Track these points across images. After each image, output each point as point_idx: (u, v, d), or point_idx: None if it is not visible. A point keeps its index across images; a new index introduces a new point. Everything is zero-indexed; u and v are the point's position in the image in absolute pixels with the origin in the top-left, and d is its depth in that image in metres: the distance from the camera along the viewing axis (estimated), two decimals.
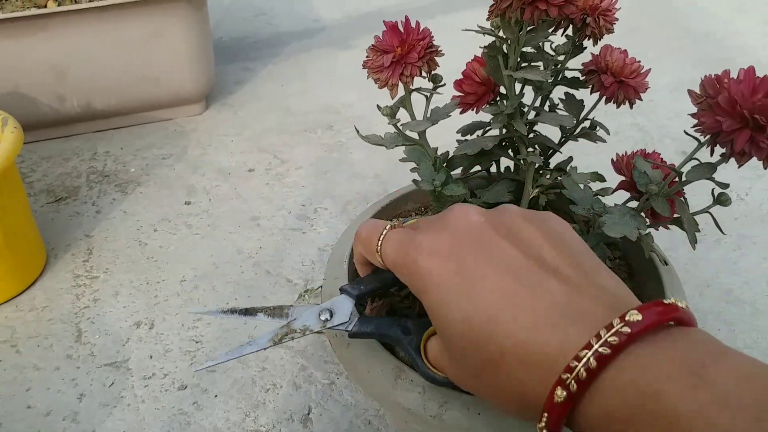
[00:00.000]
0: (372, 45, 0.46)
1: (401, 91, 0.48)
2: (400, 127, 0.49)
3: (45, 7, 1.02)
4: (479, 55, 0.52)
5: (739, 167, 0.41)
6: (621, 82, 0.51)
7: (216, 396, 0.72)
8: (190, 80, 1.16)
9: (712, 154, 0.42)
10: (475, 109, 0.53)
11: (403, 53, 0.44)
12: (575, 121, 0.54)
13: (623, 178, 0.54)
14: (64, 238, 0.95)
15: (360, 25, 1.66)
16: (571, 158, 0.58)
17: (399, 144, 0.50)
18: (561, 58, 0.53)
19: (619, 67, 0.51)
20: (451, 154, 0.53)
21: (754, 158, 0.40)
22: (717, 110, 0.39)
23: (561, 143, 0.57)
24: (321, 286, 0.85)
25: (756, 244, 0.93)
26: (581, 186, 0.49)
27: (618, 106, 0.53)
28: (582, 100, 0.56)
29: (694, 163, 0.46)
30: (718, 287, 0.85)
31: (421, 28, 0.46)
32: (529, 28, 0.45)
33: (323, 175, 1.07)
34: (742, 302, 0.83)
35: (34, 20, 1.01)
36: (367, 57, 0.46)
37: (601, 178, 0.56)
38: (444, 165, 0.51)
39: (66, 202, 1.03)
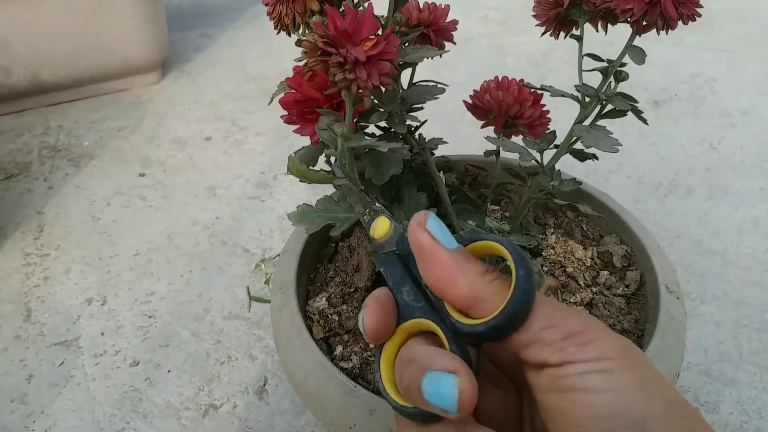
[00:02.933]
0: None
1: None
2: None
3: None
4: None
5: (666, 33, 0.41)
6: (436, 31, 0.49)
7: (169, 371, 0.69)
8: (142, 48, 1.12)
9: (640, 35, 0.42)
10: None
11: None
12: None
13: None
14: (15, 215, 0.92)
15: None
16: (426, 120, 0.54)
17: None
18: None
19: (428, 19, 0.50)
20: None
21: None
22: None
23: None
24: (279, 255, 0.82)
25: (728, 194, 0.90)
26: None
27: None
28: None
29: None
30: (688, 238, 0.83)
31: None
32: None
33: (283, 141, 1.04)
34: (712, 253, 0.81)
35: None
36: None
37: None
38: None
39: (17, 178, 0.99)
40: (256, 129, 1.07)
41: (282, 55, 1.28)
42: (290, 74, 0.45)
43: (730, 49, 1.28)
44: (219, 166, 0.99)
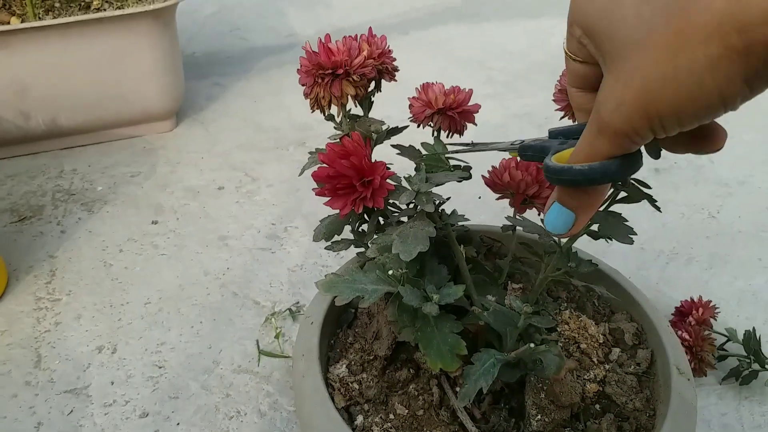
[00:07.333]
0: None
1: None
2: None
3: (8, 24, 1.00)
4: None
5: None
6: (460, 113, 0.52)
7: (178, 424, 0.70)
8: (159, 97, 1.15)
9: None
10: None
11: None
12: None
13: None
14: (27, 259, 0.93)
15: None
16: (449, 197, 0.56)
17: None
18: None
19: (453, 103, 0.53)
20: None
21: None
22: None
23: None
24: (289, 309, 0.84)
25: (727, 263, 0.93)
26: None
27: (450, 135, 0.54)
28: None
29: None
30: None
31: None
32: None
33: (294, 193, 1.06)
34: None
35: None
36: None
37: None
38: None
39: (30, 221, 1.01)
40: (267, 180, 1.09)
41: (292, 107, 1.32)
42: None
43: (726, 118, 1.33)
44: (231, 216, 1.01)
